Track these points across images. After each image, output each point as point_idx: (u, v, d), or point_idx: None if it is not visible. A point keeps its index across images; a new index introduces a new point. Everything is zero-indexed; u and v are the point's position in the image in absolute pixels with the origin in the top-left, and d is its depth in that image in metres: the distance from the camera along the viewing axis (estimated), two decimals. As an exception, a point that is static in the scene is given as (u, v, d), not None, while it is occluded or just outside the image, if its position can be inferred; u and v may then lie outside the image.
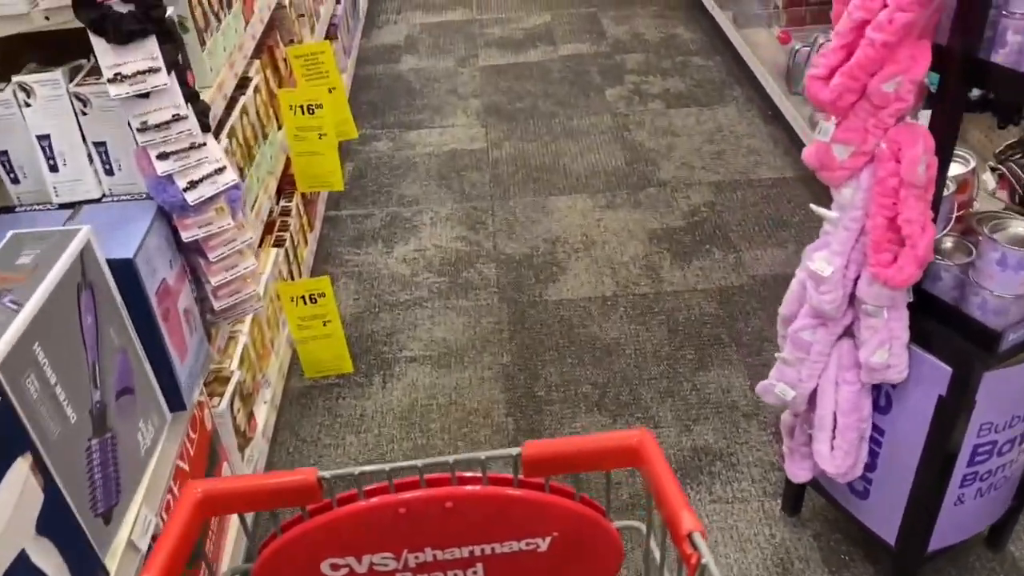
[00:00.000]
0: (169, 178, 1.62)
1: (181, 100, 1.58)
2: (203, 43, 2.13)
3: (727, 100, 4.35)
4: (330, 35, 4.19)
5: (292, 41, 3.20)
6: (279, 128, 2.88)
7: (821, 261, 1.63)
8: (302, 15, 3.42)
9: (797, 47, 3.75)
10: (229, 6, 2.37)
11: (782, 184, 3.65)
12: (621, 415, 2.62)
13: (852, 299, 1.67)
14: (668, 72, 4.66)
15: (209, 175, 1.65)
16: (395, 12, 5.68)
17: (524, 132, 4.21)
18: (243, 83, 2.55)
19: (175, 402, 1.72)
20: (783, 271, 3.16)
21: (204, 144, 1.64)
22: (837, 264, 1.61)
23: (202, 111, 1.65)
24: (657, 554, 1.20)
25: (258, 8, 2.69)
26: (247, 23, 2.54)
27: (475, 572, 1.20)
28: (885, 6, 1.40)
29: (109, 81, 1.51)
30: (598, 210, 3.59)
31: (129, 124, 1.58)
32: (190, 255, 1.78)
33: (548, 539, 1.17)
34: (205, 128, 1.65)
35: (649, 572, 1.27)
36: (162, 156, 1.60)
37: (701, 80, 4.55)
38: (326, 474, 1.10)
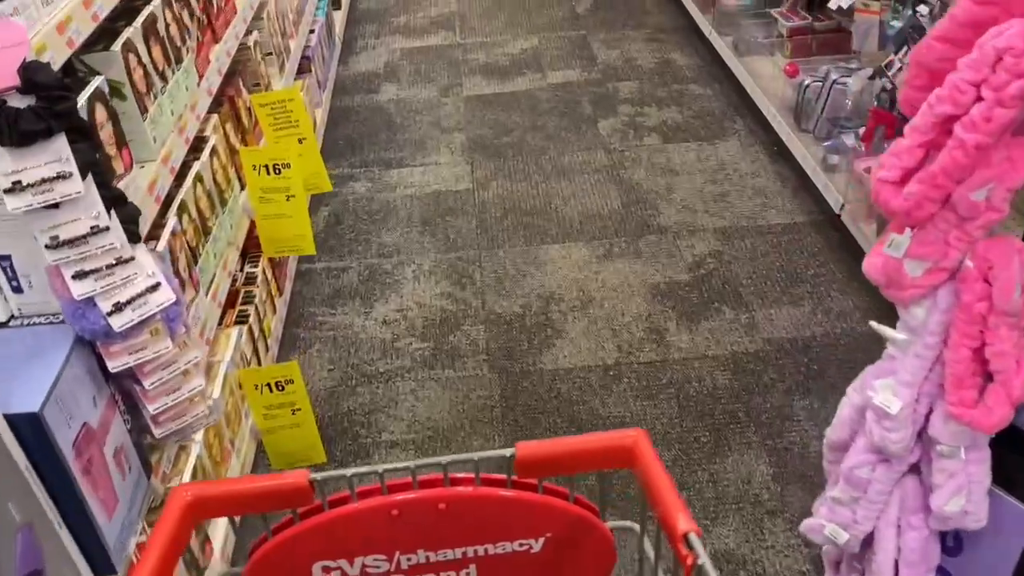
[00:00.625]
0: (89, 301, 1.32)
1: (101, 208, 1.27)
2: (144, 111, 1.83)
3: (728, 133, 4.07)
4: (303, 69, 3.88)
5: (258, 86, 2.90)
6: (242, 188, 2.57)
7: (886, 392, 1.35)
8: (269, 53, 3.11)
9: (807, 82, 3.48)
10: (178, 60, 2.06)
11: (793, 231, 3.38)
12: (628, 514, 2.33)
13: (920, 433, 1.39)
14: (664, 102, 4.38)
15: (139, 295, 1.35)
16: (373, 36, 5.37)
17: (512, 170, 3.92)
18: (198, 144, 2.25)
19: (102, 566, 1.41)
20: (800, 334, 2.88)
21: (132, 259, 1.33)
22: (906, 398, 1.33)
23: (130, 218, 1.34)
24: (651, 554, 1.19)
25: (215, 57, 2.39)
26: (201, 77, 2.24)
27: (468, 573, 1.19)
28: (979, 99, 1.12)
29: (6, 192, 1.21)
30: (595, 261, 3.30)
31: (36, 239, 1.27)
32: (122, 380, 1.48)
33: (541, 540, 1.17)
34: (134, 238, 1.35)
35: (643, 573, 1.26)
36: (79, 276, 1.30)
37: (700, 111, 4.28)
38: (317, 476, 1.08)
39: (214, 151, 2.30)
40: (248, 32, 2.84)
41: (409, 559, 1.16)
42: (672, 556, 1.03)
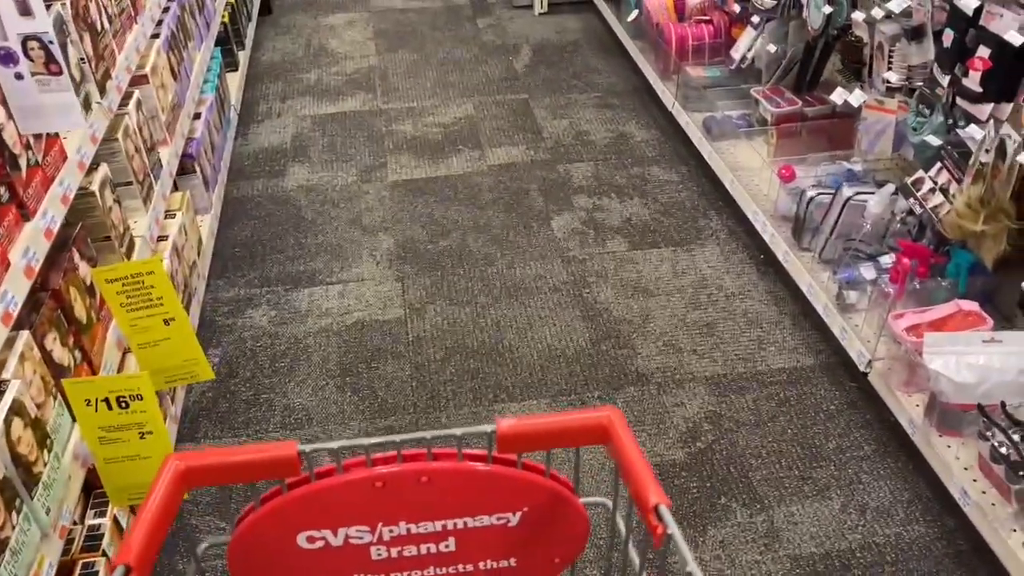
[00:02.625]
0: None
1: None
2: None
3: (704, 235, 3.45)
4: (186, 169, 3.09)
5: (108, 239, 2.11)
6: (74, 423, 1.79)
7: None
8: (128, 183, 2.32)
9: (812, 195, 2.88)
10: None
11: (801, 380, 2.77)
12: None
13: None
14: (625, 191, 3.74)
15: None
16: (278, 99, 4.57)
17: (453, 289, 3.21)
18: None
19: None
20: (834, 546, 2.25)
21: None
22: None
23: None
24: (623, 528, 1.27)
25: (22, 247, 1.60)
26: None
27: (447, 546, 1.23)
28: None
29: None
30: (563, 426, 2.63)
31: None
32: None
33: (518, 514, 1.21)
34: None
35: (615, 546, 1.31)
36: None
37: (668, 204, 3.65)
38: (306, 447, 1.11)
39: (18, 404, 1.51)
40: (93, 167, 2.05)
41: (391, 531, 1.20)
42: (643, 530, 1.07)
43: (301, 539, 1.18)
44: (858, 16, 2.86)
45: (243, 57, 4.54)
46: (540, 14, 5.51)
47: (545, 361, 2.88)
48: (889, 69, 2.74)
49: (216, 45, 4.10)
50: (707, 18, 4.05)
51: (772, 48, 3.46)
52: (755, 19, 3.55)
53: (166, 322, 2.04)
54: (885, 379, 2.46)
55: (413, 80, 4.74)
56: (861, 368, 2.55)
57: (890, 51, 2.73)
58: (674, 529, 1.02)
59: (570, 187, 3.79)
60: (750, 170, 3.41)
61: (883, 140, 2.87)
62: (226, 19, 4.24)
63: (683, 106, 3.90)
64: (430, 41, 5.19)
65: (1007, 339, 2.15)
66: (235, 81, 4.29)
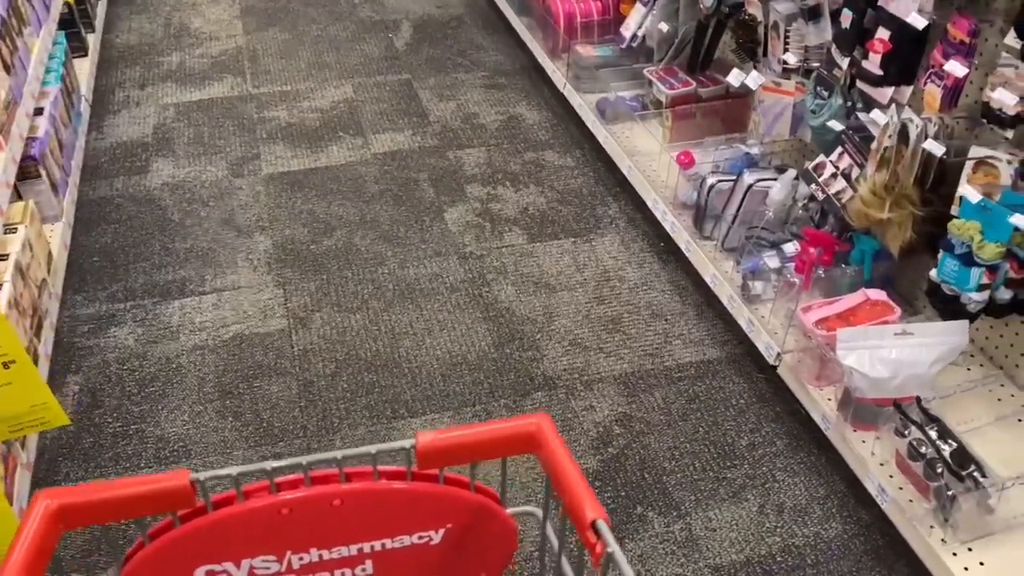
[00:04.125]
0: None
1: None
2: None
3: (604, 224, 3.33)
4: (29, 173, 2.73)
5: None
6: None
7: None
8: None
9: (712, 182, 2.79)
10: None
11: (709, 374, 2.69)
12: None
13: None
14: (520, 178, 3.58)
15: None
16: (137, 86, 4.16)
17: (341, 293, 2.98)
18: None
19: None
20: (754, 552, 2.18)
21: None
22: None
23: None
24: (554, 541, 1.21)
25: None
26: None
27: (364, 570, 1.16)
28: None
29: None
30: (467, 439, 2.46)
31: None
32: None
33: (441, 531, 1.15)
34: None
35: (545, 559, 1.27)
36: None
37: (565, 192, 3.51)
38: (200, 476, 1.04)
39: None
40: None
41: (301, 558, 1.13)
42: (577, 543, 1.05)
43: (199, 574, 1.10)
44: (752, -5, 2.77)
45: (93, 40, 4.10)
46: (419, -12, 5.25)
47: (447, 369, 2.70)
48: (786, 50, 2.66)
49: (60, 28, 3.67)
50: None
51: (664, 27, 3.35)
52: (645, -4, 3.43)
53: (5, 365, 1.76)
54: (795, 372, 2.40)
55: (286, 61, 4.41)
56: (770, 362, 2.49)
57: (786, 31, 2.65)
58: (614, 547, 0.96)
59: (462, 176, 3.59)
60: (647, 155, 3.30)
61: (780, 123, 2.81)
62: (71, 1, 3.80)
63: (575, 87, 3.75)
64: (303, 19, 4.85)
65: (918, 331, 2.11)
66: (85, 68, 3.86)
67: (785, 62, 2.68)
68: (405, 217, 3.35)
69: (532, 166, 3.66)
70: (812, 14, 2.50)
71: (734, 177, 2.75)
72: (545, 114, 4.02)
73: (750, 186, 2.66)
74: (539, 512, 1.23)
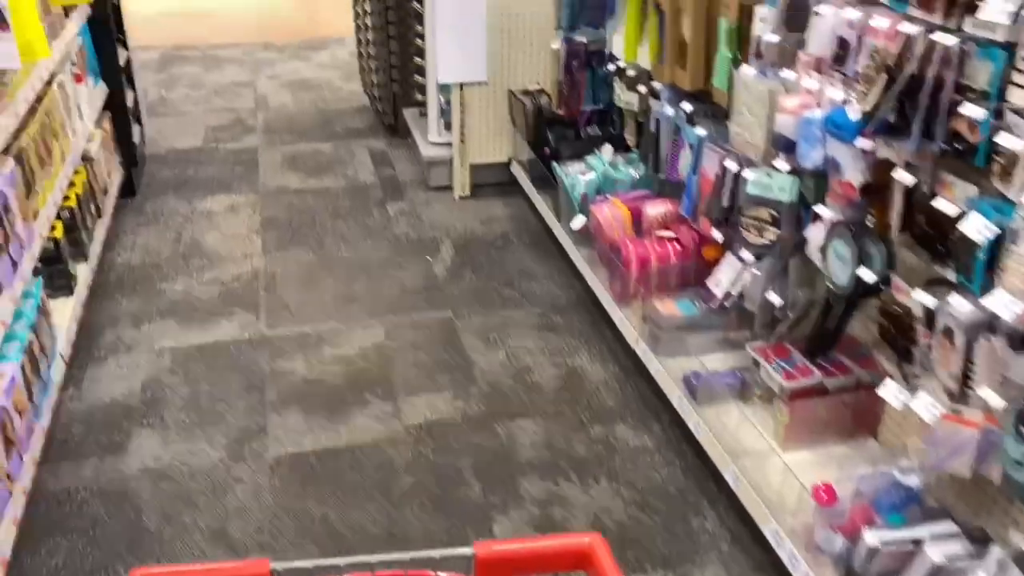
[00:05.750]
0: None
1: None
2: None
3: (701, 543, 2.56)
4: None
5: None
6: None
7: None
8: None
9: (873, 542, 2.04)
10: None
11: None
12: None
13: None
14: (587, 467, 2.85)
15: None
16: (132, 324, 3.56)
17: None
18: None
19: None
20: None
21: None
22: None
23: None
24: None
25: None
26: None
27: None
28: None
29: None
30: None
31: None
32: None
33: None
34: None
35: None
36: None
37: (647, 490, 2.77)
38: (279, 566, 1.12)
39: None
40: None
41: None
42: None
43: None
44: (904, 286, 2.13)
45: (85, 271, 3.53)
46: (461, 198, 4.74)
47: None
48: (968, 376, 1.98)
49: (42, 265, 3.11)
50: (672, 234, 3.31)
51: (772, 297, 2.71)
52: (745, 255, 2.80)
53: None
54: None
55: (308, 292, 3.82)
56: None
57: (968, 348, 1.98)
58: None
59: (515, 462, 2.88)
60: (755, 455, 2.59)
61: (958, 460, 2.08)
62: (58, 232, 3.25)
63: (652, 348, 3.09)
64: (331, 234, 4.32)
65: None
66: (68, 308, 3.26)
67: (967, 386, 2.00)
68: (444, 530, 2.61)
69: (601, 446, 2.95)
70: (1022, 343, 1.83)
71: (908, 539, 2.00)
72: (611, 368, 3.35)
73: (939, 569, 1.91)
74: None
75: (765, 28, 2.67)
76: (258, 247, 4.18)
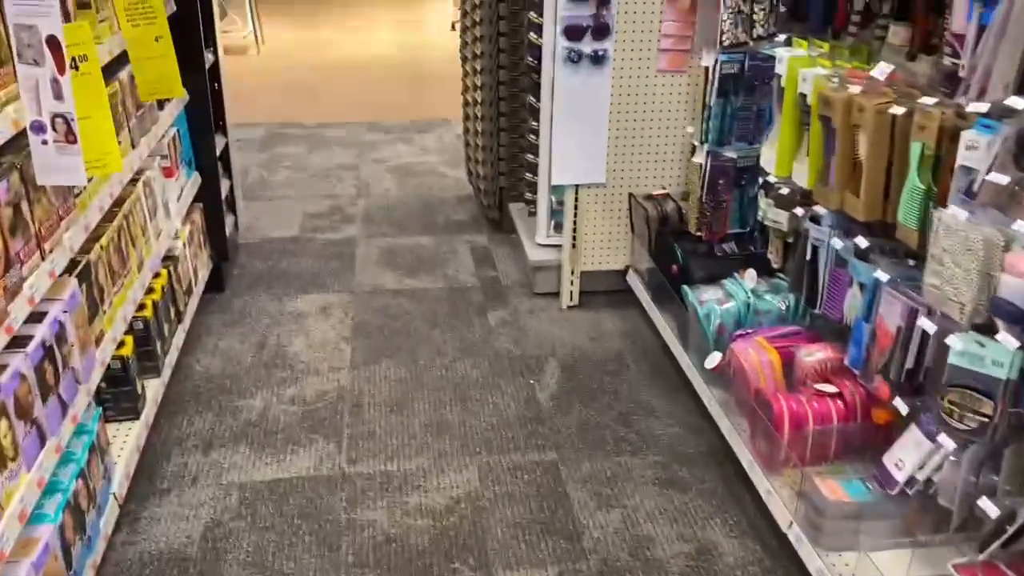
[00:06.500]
0: None
1: None
2: None
3: None
4: None
5: None
6: None
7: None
8: None
9: None
10: None
11: None
12: None
13: None
14: None
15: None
16: (201, 446, 3.19)
17: None
18: None
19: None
20: None
21: None
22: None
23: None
24: None
25: None
26: None
27: None
28: None
29: None
30: None
31: None
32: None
33: None
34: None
35: None
36: None
37: None
38: None
39: None
40: None
41: None
42: None
43: None
44: None
45: (156, 387, 3.19)
46: (568, 307, 4.27)
47: None
48: None
49: (106, 383, 2.78)
50: (833, 388, 2.73)
51: (985, 506, 2.09)
52: (944, 440, 2.21)
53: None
54: None
55: (396, 417, 3.39)
56: None
57: None
58: None
59: (634, 677, 2.32)
60: None
61: None
62: (127, 349, 2.91)
63: (810, 537, 2.49)
64: (425, 346, 3.90)
65: None
66: (131, 435, 2.91)
67: None
68: None
69: (743, 663, 2.36)
70: None
71: None
72: (753, 548, 2.75)
73: None
74: None
75: (975, 158, 2.13)
76: (347, 358, 3.78)
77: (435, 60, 9.71)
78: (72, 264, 2.46)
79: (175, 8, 3.67)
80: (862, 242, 2.58)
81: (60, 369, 2.22)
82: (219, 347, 3.85)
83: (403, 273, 4.62)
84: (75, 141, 2.09)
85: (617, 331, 4.06)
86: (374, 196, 5.74)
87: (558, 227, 4.37)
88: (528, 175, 4.50)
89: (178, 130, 3.77)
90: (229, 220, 4.52)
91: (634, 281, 4.17)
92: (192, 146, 4.03)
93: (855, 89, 2.54)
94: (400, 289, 4.44)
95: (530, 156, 4.42)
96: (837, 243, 2.66)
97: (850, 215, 2.63)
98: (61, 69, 2.03)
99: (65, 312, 2.29)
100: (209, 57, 4.13)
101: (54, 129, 2.07)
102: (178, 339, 3.52)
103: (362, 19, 12.33)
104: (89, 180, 2.42)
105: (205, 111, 4.05)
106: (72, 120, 2.07)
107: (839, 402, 2.70)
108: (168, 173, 3.57)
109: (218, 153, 4.29)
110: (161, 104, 3.40)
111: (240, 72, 8.62)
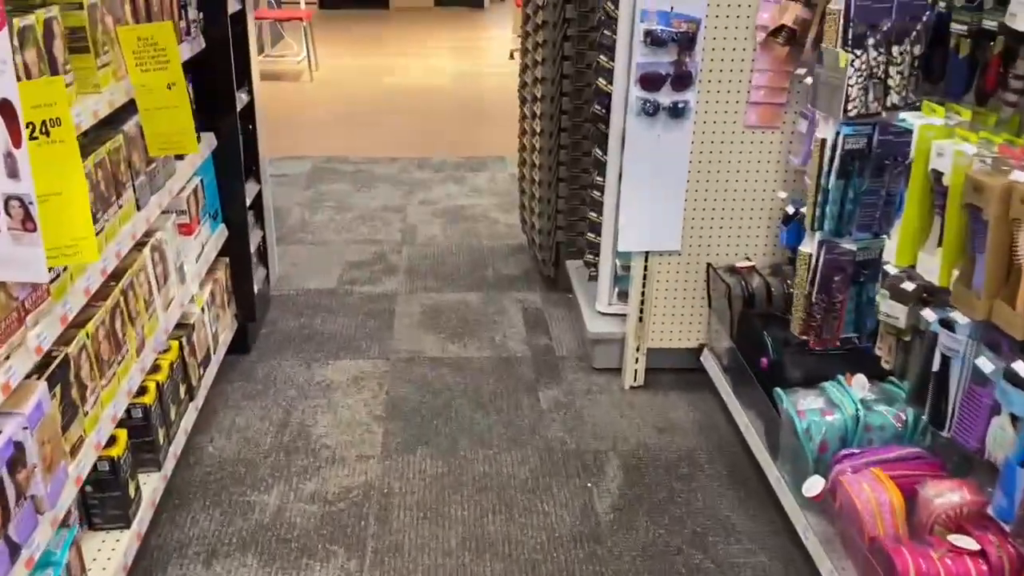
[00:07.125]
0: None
1: None
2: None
3: None
4: None
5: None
6: None
7: None
8: None
9: None
10: None
11: None
12: None
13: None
14: None
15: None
16: (203, 555, 2.72)
17: None
18: None
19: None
20: None
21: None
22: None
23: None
24: None
25: None
26: None
27: None
28: None
29: None
30: None
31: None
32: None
33: None
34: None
35: None
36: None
37: None
38: None
39: None
40: None
41: None
42: None
43: None
44: None
45: (156, 482, 2.76)
46: (632, 387, 3.76)
47: None
48: None
49: (92, 487, 2.36)
50: (974, 545, 2.17)
51: None
52: None
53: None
54: None
55: (430, 527, 2.91)
56: None
57: None
58: None
59: None
60: None
61: None
62: (118, 449, 2.48)
63: None
64: (467, 433, 3.42)
65: None
66: (118, 549, 2.47)
67: None
68: None
69: None
70: None
71: None
72: None
73: None
74: None
75: None
76: (378, 444, 3.32)
77: (491, 90, 9.32)
78: (46, 361, 2.04)
79: (203, 44, 3.29)
80: (1021, 367, 2.04)
81: (11, 504, 1.79)
82: (236, 424, 3.42)
83: (446, 337, 4.17)
84: (34, 229, 1.68)
85: (689, 422, 3.53)
86: (420, 243, 5.31)
87: (622, 295, 3.88)
88: (590, 235, 4.01)
89: (202, 180, 3.38)
90: (259, 274, 4.11)
91: (710, 363, 3.64)
92: (219, 196, 3.64)
93: (1018, 176, 2.01)
94: (442, 357, 3.98)
95: (592, 214, 3.94)
96: (986, 366, 2.11)
97: (1004, 330, 2.09)
98: (16, 141, 1.61)
99: (25, 428, 1.87)
100: (243, 97, 3.75)
101: (8, 214, 1.65)
102: (188, 420, 3.10)
103: (418, 44, 12.04)
104: (55, 275, 2.00)
105: (235, 157, 3.66)
106: (30, 204, 1.65)
107: (981, 563, 2.14)
108: (187, 231, 3.17)
109: (250, 201, 3.89)
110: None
111: (291, 100, 8.33)
